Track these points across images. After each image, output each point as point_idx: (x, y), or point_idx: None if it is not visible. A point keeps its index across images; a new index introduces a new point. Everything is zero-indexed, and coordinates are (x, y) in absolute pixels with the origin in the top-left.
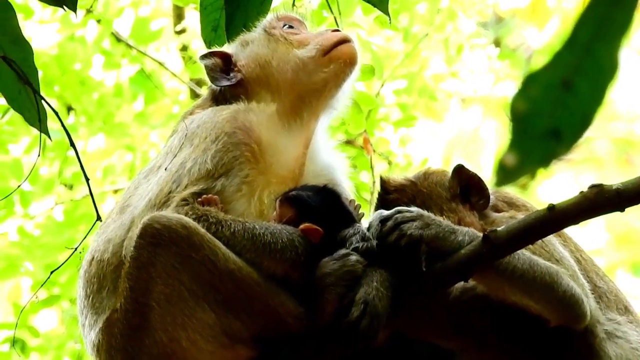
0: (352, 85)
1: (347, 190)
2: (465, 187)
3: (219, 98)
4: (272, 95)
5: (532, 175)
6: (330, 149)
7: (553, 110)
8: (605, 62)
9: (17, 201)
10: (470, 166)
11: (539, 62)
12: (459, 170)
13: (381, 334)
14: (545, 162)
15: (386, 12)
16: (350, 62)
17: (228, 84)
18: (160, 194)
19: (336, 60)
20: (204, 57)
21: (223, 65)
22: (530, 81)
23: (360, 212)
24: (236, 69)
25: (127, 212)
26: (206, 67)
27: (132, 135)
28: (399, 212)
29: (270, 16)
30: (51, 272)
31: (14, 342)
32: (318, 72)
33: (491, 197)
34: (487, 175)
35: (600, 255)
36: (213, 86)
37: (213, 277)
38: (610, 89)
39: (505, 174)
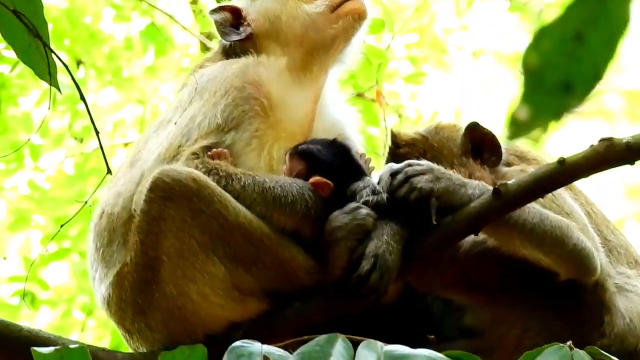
0: (362, 39)
1: (357, 144)
2: (477, 143)
3: (229, 52)
4: (282, 49)
5: (544, 129)
6: (340, 103)
7: (565, 63)
8: (617, 14)
9: (27, 154)
10: (483, 123)
11: (551, 15)
12: (473, 128)
13: (391, 288)
14: (557, 115)
15: None
16: (359, 17)
17: (238, 38)
18: (170, 148)
19: (344, 16)
20: (213, 11)
21: (233, 19)
22: (542, 34)
23: (370, 165)
24: (246, 23)
25: (137, 166)
26: (216, 21)
27: (142, 88)
28: (410, 165)
29: None
30: (61, 226)
31: (24, 295)
32: (327, 29)
33: (503, 153)
34: (499, 128)
35: (611, 208)
36: (223, 41)
37: (223, 231)
38: (622, 42)
39: (517, 128)
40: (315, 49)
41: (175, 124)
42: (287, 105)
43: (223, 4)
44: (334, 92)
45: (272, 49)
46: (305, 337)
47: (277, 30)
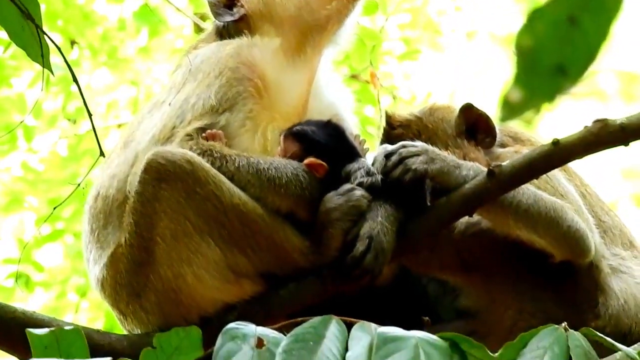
0: (355, 20)
1: (352, 125)
2: (472, 125)
3: (223, 33)
4: (276, 30)
5: (537, 110)
6: (334, 84)
7: (558, 45)
8: None
9: (21, 136)
10: (477, 104)
11: None
12: (467, 109)
13: (386, 269)
14: (550, 97)
15: None
16: None
17: (231, 19)
18: (164, 129)
19: None
20: None
21: (227, 0)
22: (536, 16)
23: (365, 147)
24: (239, 4)
25: (131, 147)
26: (209, 2)
27: (136, 69)
28: (404, 146)
29: None
30: (54, 208)
31: (17, 277)
32: (320, 10)
33: (497, 135)
34: (493, 109)
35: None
36: (216, 22)
37: (218, 212)
38: (615, 24)
39: (511, 109)
40: (309, 30)
41: (169, 105)
42: (281, 87)
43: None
44: (328, 73)
45: (266, 30)
46: (299, 318)
47: (270, 11)
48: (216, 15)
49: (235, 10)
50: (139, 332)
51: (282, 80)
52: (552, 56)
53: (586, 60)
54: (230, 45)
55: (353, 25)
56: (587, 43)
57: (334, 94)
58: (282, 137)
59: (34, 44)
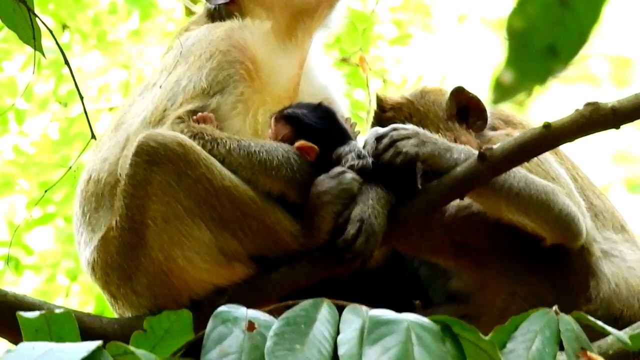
0: (346, 3)
1: (343, 108)
2: (463, 108)
3: (215, 15)
4: (267, 13)
5: (528, 93)
6: (325, 68)
7: (550, 27)
8: None
9: (12, 119)
10: (469, 87)
11: None
12: (458, 92)
13: (377, 252)
14: (541, 79)
15: None
16: None
17: (223, 1)
18: (155, 111)
19: None
20: None
21: None
22: None
23: (356, 130)
24: None
25: (122, 130)
26: None
27: (127, 52)
28: (395, 129)
29: None
30: (45, 191)
31: (8, 260)
32: None
33: (489, 118)
34: (484, 93)
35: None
36: (208, 4)
37: (209, 195)
38: (606, 6)
39: (502, 92)
40: (299, 14)
41: (161, 87)
42: (272, 69)
43: None
44: (319, 56)
45: (257, 13)
46: (290, 302)
47: None
48: None
49: None
50: (130, 315)
51: (273, 63)
52: (544, 37)
53: (578, 41)
54: (221, 27)
55: (344, 8)
56: (578, 24)
57: (325, 77)
58: (273, 120)
59: (26, 26)
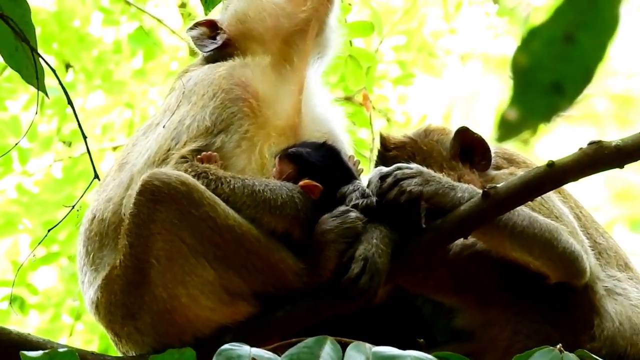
0: (341, 21)
1: (345, 142)
2: (467, 147)
3: (211, 60)
4: (261, 46)
5: (533, 131)
6: (324, 94)
7: (555, 64)
8: (607, 15)
9: (16, 158)
10: (473, 127)
11: (539, 18)
12: (462, 131)
13: (381, 290)
14: (547, 116)
15: None
16: None
17: (214, 47)
18: (159, 151)
19: None
20: (190, 29)
21: (210, 32)
22: (532, 35)
23: (359, 167)
24: (221, 31)
25: (126, 170)
26: (192, 37)
27: (131, 92)
28: (399, 168)
29: None
30: (49, 230)
31: (11, 299)
32: (297, 13)
33: (492, 157)
34: (486, 132)
35: (600, 212)
36: (203, 54)
37: (213, 234)
38: (612, 43)
39: (507, 129)
40: (291, 37)
41: (164, 127)
42: (274, 102)
43: (198, 20)
44: (318, 83)
45: (253, 49)
46: (294, 339)
47: (249, 28)
48: (201, 47)
49: (218, 38)
50: (134, 354)
51: (274, 95)
52: (549, 74)
53: (583, 78)
54: (223, 67)
55: (337, 30)
56: (584, 61)
57: (324, 102)
58: (277, 159)
59: (29, 66)
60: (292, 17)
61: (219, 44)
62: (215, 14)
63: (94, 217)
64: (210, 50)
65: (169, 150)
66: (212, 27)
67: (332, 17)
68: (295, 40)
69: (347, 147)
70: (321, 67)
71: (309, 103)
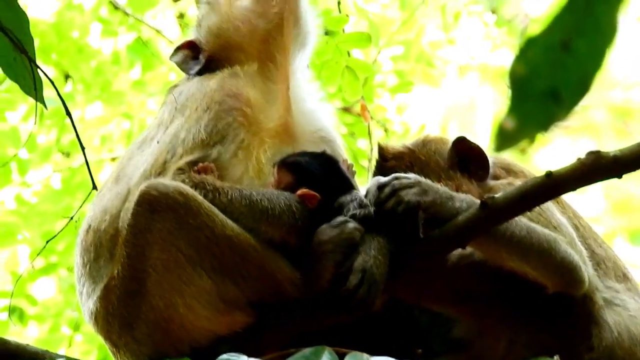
0: (316, 12)
1: (338, 138)
2: (465, 157)
3: (200, 73)
4: (243, 53)
5: (531, 140)
6: (312, 89)
7: (552, 72)
8: (605, 23)
9: (15, 169)
10: (471, 137)
11: (537, 28)
12: (460, 141)
13: (378, 300)
14: (544, 125)
15: None
16: None
17: (199, 67)
18: (156, 164)
19: None
20: (172, 55)
21: (192, 53)
22: (530, 44)
23: (352, 169)
24: (202, 49)
25: (123, 182)
26: (176, 63)
27: (130, 103)
28: (397, 178)
29: None
30: (47, 241)
31: (10, 310)
32: (268, 10)
33: (490, 167)
34: (484, 142)
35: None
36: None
37: (210, 243)
38: (609, 51)
39: (505, 139)
40: (269, 35)
41: (158, 142)
42: (264, 104)
43: (178, 44)
44: (303, 76)
45: (236, 57)
46: (292, 349)
47: (227, 41)
48: (186, 70)
49: (200, 57)
50: None
51: (263, 97)
52: (546, 82)
53: (580, 86)
54: (213, 79)
55: (312, 12)
56: (581, 69)
57: (313, 98)
58: (275, 168)
59: (27, 77)
60: (265, 16)
61: (203, 62)
62: (191, 33)
63: (89, 227)
64: (196, 71)
65: (165, 162)
66: (192, 48)
67: (306, 7)
68: (273, 36)
69: (340, 143)
70: (304, 58)
71: (297, 98)
